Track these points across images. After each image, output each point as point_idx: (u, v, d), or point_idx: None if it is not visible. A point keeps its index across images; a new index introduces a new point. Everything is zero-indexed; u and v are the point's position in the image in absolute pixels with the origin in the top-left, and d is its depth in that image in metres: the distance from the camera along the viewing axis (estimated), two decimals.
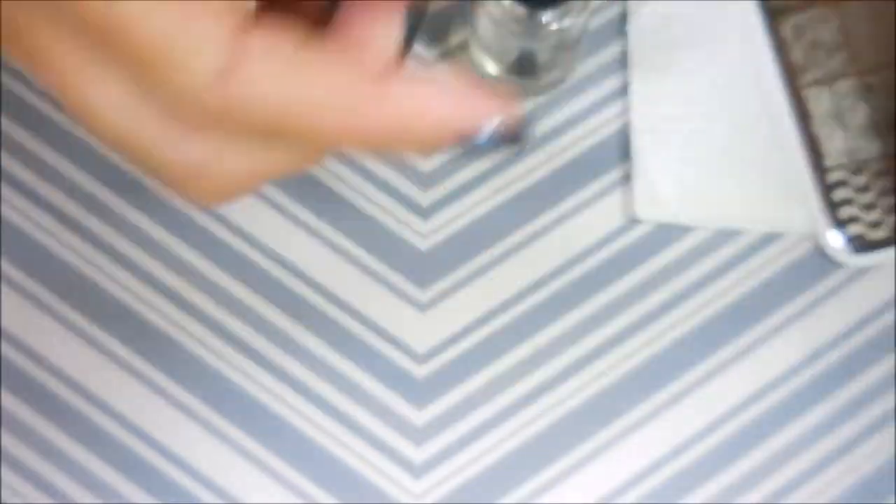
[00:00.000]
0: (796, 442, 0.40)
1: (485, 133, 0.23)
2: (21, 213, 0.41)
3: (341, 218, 0.42)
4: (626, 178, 0.42)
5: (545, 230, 0.42)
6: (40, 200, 0.42)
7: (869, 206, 0.41)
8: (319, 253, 0.41)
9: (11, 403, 0.40)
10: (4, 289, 0.41)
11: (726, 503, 0.40)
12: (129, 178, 0.42)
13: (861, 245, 0.41)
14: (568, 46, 0.41)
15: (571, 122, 0.43)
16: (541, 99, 0.42)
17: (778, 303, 0.41)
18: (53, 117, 0.42)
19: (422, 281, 0.41)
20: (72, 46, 0.19)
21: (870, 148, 0.42)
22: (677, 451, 0.40)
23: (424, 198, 0.42)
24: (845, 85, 0.42)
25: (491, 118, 0.22)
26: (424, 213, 0.42)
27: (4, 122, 0.42)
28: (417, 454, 0.40)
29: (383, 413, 0.40)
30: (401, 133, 0.21)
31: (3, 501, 0.39)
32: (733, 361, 0.41)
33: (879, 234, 0.41)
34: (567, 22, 0.39)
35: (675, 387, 0.41)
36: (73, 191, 0.42)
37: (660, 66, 0.42)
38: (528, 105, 0.42)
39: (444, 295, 0.41)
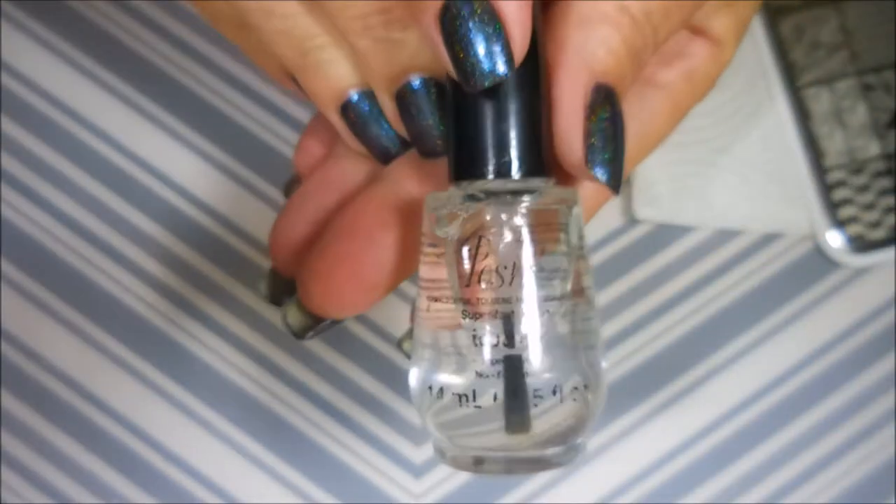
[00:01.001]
0: (796, 442, 0.40)
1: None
2: (21, 214, 0.41)
3: None
4: (626, 179, 0.42)
5: None
6: (40, 200, 0.42)
7: (869, 206, 0.41)
8: None
9: (11, 403, 0.40)
10: (4, 289, 0.41)
11: (726, 503, 0.40)
12: (128, 179, 0.42)
13: (861, 245, 0.41)
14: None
15: None
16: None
17: (778, 303, 0.41)
18: (53, 117, 0.42)
19: None
20: None
21: (869, 148, 0.42)
22: (677, 451, 0.40)
23: None
24: (845, 85, 0.42)
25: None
26: None
27: (4, 122, 0.42)
28: (417, 454, 0.40)
29: (383, 413, 0.40)
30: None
31: (3, 501, 0.39)
32: (733, 361, 0.41)
33: (879, 234, 0.41)
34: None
35: (674, 387, 0.41)
36: (73, 191, 0.42)
37: None
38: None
39: None
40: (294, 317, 0.29)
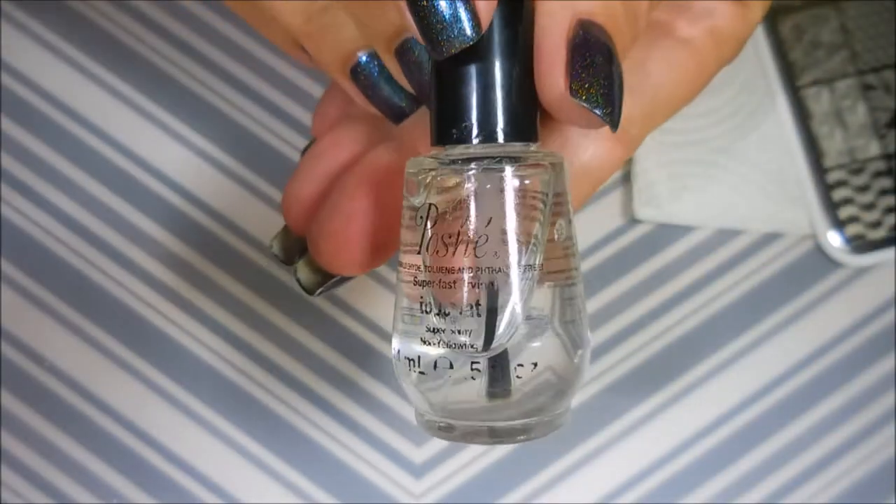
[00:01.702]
0: (796, 442, 0.40)
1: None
2: (21, 214, 0.41)
3: None
4: (626, 178, 0.42)
5: None
6: (40, 200, 0.42)
7: (869, 206, 0.41)
8: None
9: (11, 403, 0.40)
10: (4, 289, 0.41)
11: (726, 503, 0.40)
12: (127, 179, 0.42)
13: (861, 245, 0.41)
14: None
15: None
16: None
17: (778, 303, 0.41)
18: (53, 118, 0.42)
19: None
20: None
21: (869, 148, 0.42)
22: (677, 451, 0.40)
23: None
24: (845, 85, 0.42)
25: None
26: None
27: (4, 122, 0.42)
28: (417, 454, 0.40)
29: (383, 413, 0.40)
30: None
31: (3, 501, 0.39)
32: (733, 361, 0.41)
33: (879, 234, 0.41)
34: None
35: (674, 387, 0.41)
36: (73, 191, 0.42)
37: None
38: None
39: None
40: (304, 273, 0.29)
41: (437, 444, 0.40)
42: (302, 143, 0.42)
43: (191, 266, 0.41)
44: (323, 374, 0.41)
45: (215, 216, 0.42)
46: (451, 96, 0.24)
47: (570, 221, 0.25)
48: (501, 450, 0.40)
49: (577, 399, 0.40)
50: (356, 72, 0.26)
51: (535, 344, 0.24)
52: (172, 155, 0.42)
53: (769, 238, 0.42)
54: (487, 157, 0.24)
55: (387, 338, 0.41)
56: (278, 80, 0.42)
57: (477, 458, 0.40)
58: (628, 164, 0.42)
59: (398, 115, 0.27)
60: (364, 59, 0.26)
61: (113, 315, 0.41)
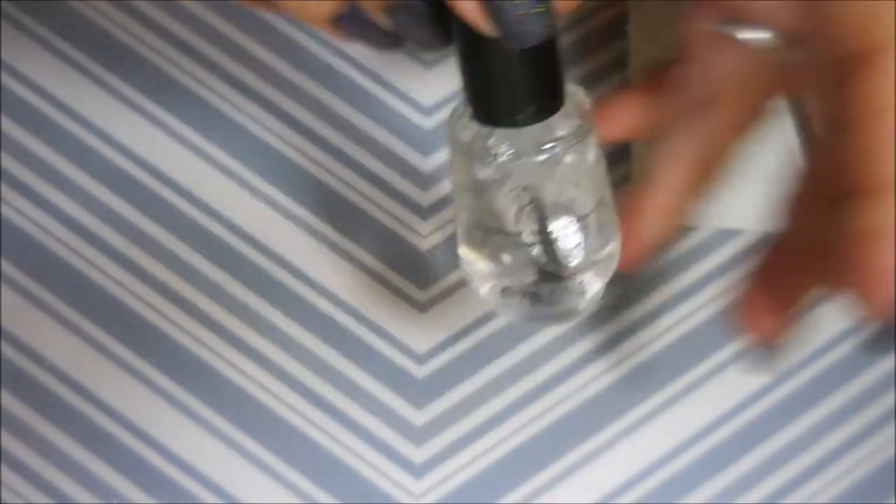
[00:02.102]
0: (796, 442, 0.40)
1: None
2: (21, 214, 0.41)
3: (341, 218, 0.42)
4: (626, 179, 0.42)
5: None
6: (40, 200, 0.42)
7: None
8: (319, 253, 0.41)
9: (11, 403, 0.40)
10: (4, 289, 0.41)
11: (726, 503, 0.40)
12: (128, 179, 0.42)
13: None
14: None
15: None
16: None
17: None
18: (53, 117, 0.42)
19: (422, 281, 0.41)
20: None
21: None
22: (677, 451, 0.40)
23: (425, 198, 0.42)
24: None
25: None
26: (424, 213, 0.42)
27: (4, 122, 0.42)
28: (417, 454, 0.40)
29: (383, 413, 0.40)
30: None
31: (3, 501, 0.39)
32: (733, 361, 0.41)
33: None
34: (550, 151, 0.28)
35: (675, 386, 0.41)
36: (73, 191, 0.42)
37: None
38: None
39: (444, 295, 0.41)
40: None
41: (437, 444, 0.40)
42: (301, 142, 0.42)
43: (191, 266, 0.41)
44: (323, 374, 0.41)
45: (215, 216, 0.42)
46: (501, 82, 0.26)
47: (601, 154, 0.30)
48: (501, 449, 0.40)
49: (576, 399, 0.40)
50: (339, 23, 0.27)
51: (595, 268, 0.31)
52: (172, 155, 0.42)
53: (769, 238, 0.42)
54: (568, 133, 0.27)
55: (387, 338, 0.41)
56: (278, 80, 0.42)
57: (477, 458, 0.40)
58: (628, 164, 0.42)
59: (389, 47, 0.28)
60: (347, 12, 0.26)
61: (113, 315, 0.41)
